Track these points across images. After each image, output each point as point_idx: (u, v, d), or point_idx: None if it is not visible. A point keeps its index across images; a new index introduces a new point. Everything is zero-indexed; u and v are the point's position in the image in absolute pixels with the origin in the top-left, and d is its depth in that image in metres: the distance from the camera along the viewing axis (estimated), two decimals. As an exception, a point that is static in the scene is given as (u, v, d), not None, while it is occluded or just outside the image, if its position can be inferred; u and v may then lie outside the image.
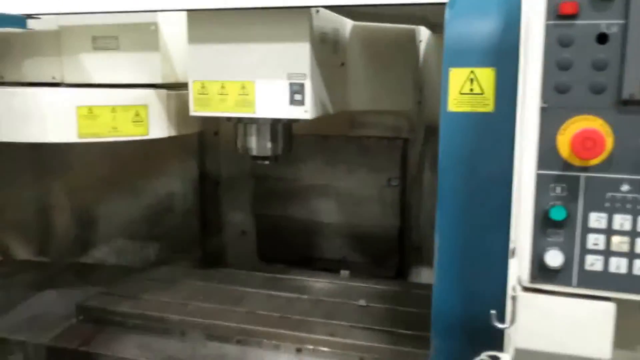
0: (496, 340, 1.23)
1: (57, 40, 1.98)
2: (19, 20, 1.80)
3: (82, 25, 1.97)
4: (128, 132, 1.95)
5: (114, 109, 1.91)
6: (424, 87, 2.62)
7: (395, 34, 2.39)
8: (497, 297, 1.23)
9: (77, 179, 3.00)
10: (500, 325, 1.13)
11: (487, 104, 1.26)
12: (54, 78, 2.00)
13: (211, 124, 2.85)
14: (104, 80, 2.00)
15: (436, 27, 2.52)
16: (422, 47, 2.59)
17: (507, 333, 1.20)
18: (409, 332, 1.95)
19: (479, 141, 1.27)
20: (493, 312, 1.10)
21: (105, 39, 1.96)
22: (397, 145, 2.70)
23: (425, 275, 2.82)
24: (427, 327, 1.86)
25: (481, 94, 1.26)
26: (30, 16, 1.84)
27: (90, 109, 1.87)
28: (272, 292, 2.30)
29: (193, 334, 2.03)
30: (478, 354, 1.22)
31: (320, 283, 2.42)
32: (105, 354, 1.96)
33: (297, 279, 2.45)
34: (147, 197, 3.00)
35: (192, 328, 2.04)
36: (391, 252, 2.78)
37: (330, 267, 2.67)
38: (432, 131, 2.68)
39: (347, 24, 2.26)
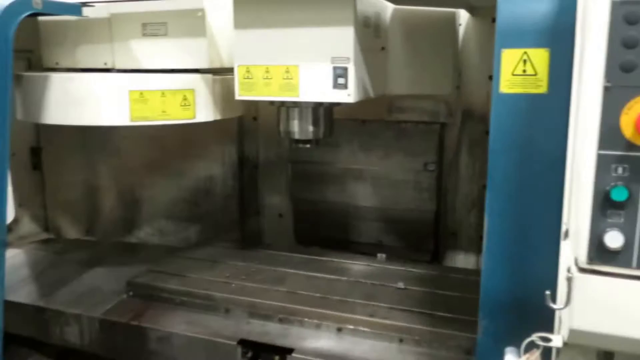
0: (546, 322, 1.21)
1: (109, 28, 2.01)
2: (75, 9, 1.84)
3: (132, 12, 1.99)
4: (176, 116, 1.98)
5: (163, 93, 1.94)
6: (463, 71, 2.57)
7: (435, 17, 2.35)
8: (548, 279, 1.21)
9: (123, 163, 3.07)
10: (554, 306, 1.11)
11: (540, 85, 1.23)
12: (105, 64, 2.04)
13: (250, 109, 2.86)
14: (153, 65, 2.03)
15: (476, 10, 2.46)
16: (462, 30, 2.54)
17: (558, 314, 1.19)
18: (449, 314, 1.94)
19: (531, 123, 1.25)
20: (547, 292, 1.08)
21: (154, 25, 1.98)
22: (434, 130, 2.66)
23: (460, 260, 2.80)
24: (467, 311, 1.87)
25: (534, 74, 1.24)
26: (84, 4, 1.87)
27: (141, 93, 1.90)
28: (312, 274, 2.32)
29: (237, 312, 2.07)
30: (527, 335, 1.20)
31: (358, 265, 2.43)
32: (155, 328, 2.01)
33: (336, 261, 2.47)
34: (189, 181, 3.05)
35: (236, 306, 2.08)
36: (427, 237, 2.76)
37: (365, 251, 2.67)
38: (469, 115, 2.64)
39: (388, 8, 2.23)
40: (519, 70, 1.25)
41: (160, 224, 3.11)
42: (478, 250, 2.76)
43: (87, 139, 3.06)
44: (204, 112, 2.05)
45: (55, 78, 1.95)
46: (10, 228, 2.78)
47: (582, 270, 1.04)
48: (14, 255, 2.70)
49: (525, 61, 1.24)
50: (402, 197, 2.73)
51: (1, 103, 1.59)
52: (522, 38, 1.24)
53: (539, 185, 1.25)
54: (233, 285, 2.20)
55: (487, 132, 2.59)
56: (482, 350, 1.33)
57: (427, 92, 2.45)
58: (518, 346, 1.24)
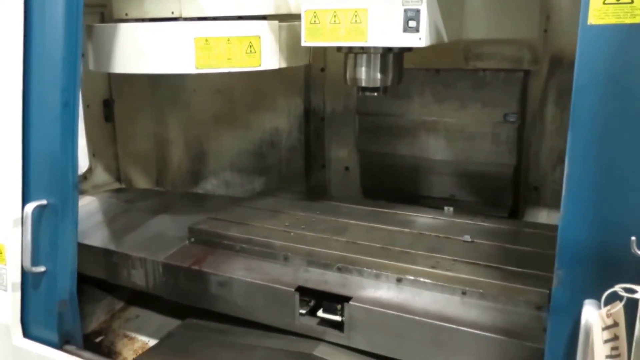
0: (630, 273, 1.18)
1: (174, -26, 2.07)
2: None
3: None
4: (242, 63, 2.03)
5: (229, 40, 1.99)
6: (552, 12, 2.44)
7: (520, -51, 2.23)
8: (634, 226, 1.18)
9: (190, 115, 3.21)
10: (640, 254, 1.08)
11: (637, 14, 1.16)
12: (172, 13, 2.10)
13: (318, 59, 2.88)
14: (220, 12, 2.07)
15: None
16: (552, -36, 2.40)
17: (645, 264, 1.15)
18: (518, 269, 1.89)
19: (624, 57, 1.18)
20: (633, 238, 1.06)
21: (223, -30, 2.02)
22: (516, 78, 2.56)
23: (543, 217, 2.71)
24: (539, 265, 1.84)
25: (630, 2, 1.16)
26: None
27: (206, 40, 1.96)
28: (374, 225, 2.34)
29: (295, 260, 2.12)
30: (609, 286, 1.18)
31: (423, 218, 2.42)
32: (215, 273, 2.12)
33: (400, 213, 2.47)
34: (255, 133, 3.14)
35: (295, 254, 2.13)
36: (504, 192, 2.69)
37: (437, 206, 2.63)
38: (558, 62, 2.50)
39: (468, -58, 2.14)
40: (611, -2, 1.18)
41: (226, 176, 3.25)
42: (563, 207, 2.67)
43: (156, 92, 3.22)
44: (270, 59, 2.08)
45: (123, 27, 2.05)
46: (85, 177, 3.05)
47: (673, 214, 1.00)
48: (89, 203, 2.93)
49: (620, -13, 1.17)
50: (478, 150, 2.66)
51: (74, 51, 1.71)
52: (616, -41, 1.17)
53: (630, 126, 1.20)
54: (292, 234, 2.26)
55: (578, 80, 2.50)
56: (557, 303, 1.31)
57: (508, 36, 2.36)
58: (597, 298, 1.23)
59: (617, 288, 1.16)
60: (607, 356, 1.20)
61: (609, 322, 1.20)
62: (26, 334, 1.87)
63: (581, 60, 1.23)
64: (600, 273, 1.25)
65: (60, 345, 1.84)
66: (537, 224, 2.44)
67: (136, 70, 2.07)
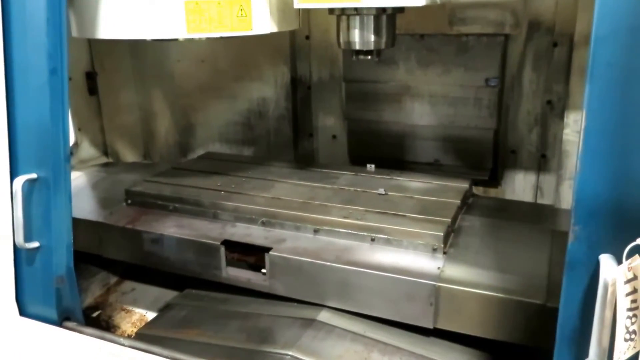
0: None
1: None
2: None
3: None
4: (233, 28, 1.85)
5: (219, 3, 1.80)
6: (531, -25, 2.33)
7: None
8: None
9: (176, 87, 3.01)
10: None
11: (662, -42, 1.05)
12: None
13: (302, 27, 2.70)
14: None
15: None
16: None
17: (667, 217, 1.07)
18: (420, 216, 1.95)
19: (647, 4, 1.07)
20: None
21: None
22: (497, 42, 2.47)
23: (519, 180, 2.68)
24: (439, 212, 1.98)
25: (655, -55, 1.05)
26: None
27: (197, 3, 1.78)
28: (299, 182, 2.33)
29: (223, 216, 2.12)
30: (624, 241, 1.10)
31: (346, 175, 2.41)
32: (148, 230, 2.10)
33: (324, 171, 2.46)
34: (242, 103, 2.97)
35: (223, 211, 2.13)
36: (486, 155, 2.64)
37: (422, 170, 2.57)
38: (536, 26, 2.42)
39: None
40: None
41: (214, 147, 3.08)
42: (538, 169, 2.62)
43: (139, 63, 3.00)
44: (261, 23, 1.91)
45: (108, -10, 1.84)
46: (71, 152, 2.82)
47: None
48: (77, 177, 2.72)
49: None
50: (461, 114, 2.59)
51: (57, 10, 1.51)
52: None
53: (652, 76, 1.10)
54: (222, 192, 2.23)
55: (554, 44, 2.41)
56: (572, 259, 1.22)
57: (494, -1, 2.24)
58: (613, 254, 1.15)
59: (640, 241, 1.08)
60: (628, 309, 1.13)
61: (630, 275, 1.12)
62: (22, 312, 1.69)
63: (601, 9, 1.11)
64: (617, 228, 1.16)
65: (59, 322, 1.67)
66: (448, 177, 2.39)
67: (125, 35, 1.86)
